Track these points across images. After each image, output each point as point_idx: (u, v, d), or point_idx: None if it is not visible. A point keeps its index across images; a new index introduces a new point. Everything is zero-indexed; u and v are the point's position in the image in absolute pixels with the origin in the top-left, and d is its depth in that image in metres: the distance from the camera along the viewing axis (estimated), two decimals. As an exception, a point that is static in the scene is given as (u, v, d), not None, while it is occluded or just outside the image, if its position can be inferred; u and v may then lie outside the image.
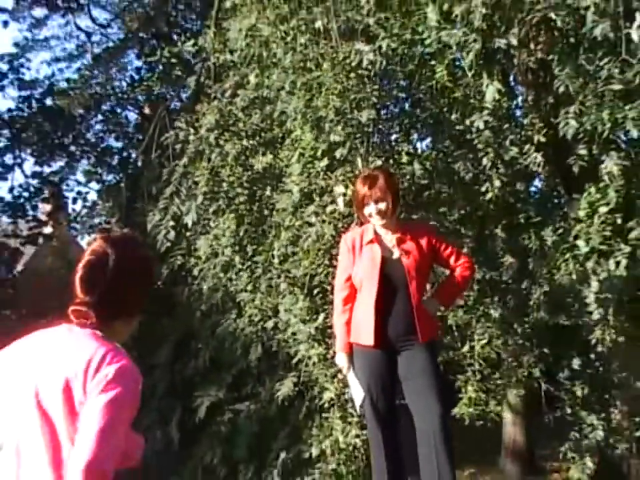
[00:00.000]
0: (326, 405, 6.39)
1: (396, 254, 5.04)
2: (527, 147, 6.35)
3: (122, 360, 2.56)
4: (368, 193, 5.05)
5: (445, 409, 5.05)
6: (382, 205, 5.03)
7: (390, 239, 5.08)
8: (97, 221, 14.18)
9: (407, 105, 7.38)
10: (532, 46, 6.80)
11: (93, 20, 16.37)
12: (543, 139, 6.37)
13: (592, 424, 6.38)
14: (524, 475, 10.83)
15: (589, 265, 6.02)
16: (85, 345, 2.57)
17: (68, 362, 2.53)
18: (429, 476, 4.90)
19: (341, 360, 5.18)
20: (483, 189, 6.32)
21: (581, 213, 6.10)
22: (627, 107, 5.75)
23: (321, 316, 6.23)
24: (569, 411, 6.55)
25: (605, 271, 5.94)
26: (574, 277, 6.08)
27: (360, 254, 5.08)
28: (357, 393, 5.09)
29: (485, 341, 6.55)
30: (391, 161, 6.60)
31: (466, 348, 6.57)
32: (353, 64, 6.40)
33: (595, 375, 6.45)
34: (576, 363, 6.49)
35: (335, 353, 5.48)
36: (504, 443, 11.01)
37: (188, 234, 7.75)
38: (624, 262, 5.86)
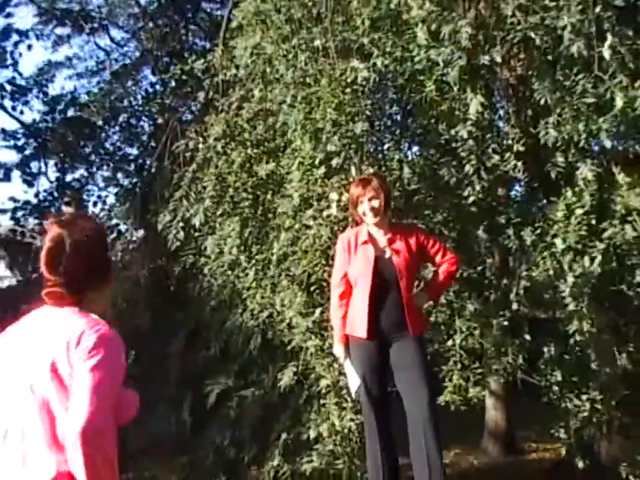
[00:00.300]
0: (323, 392, 6.38)
1: (388, 254, 5.04)
2: (507, 154, 6.37)
3: (101, 329, 2.56)
4: (362, 192, 5.08)
5: (432, 397, 5.05)
6: (375, 203, 5.04)
7: (382, 239, 5.08)
8: (114, 222, 14.16)
9: (398, 117, 7.37)
10: (513, 63, 6.81)
11: (112, 39, 16.42)
12: (522, 148, 6.38)
13: (570, 408, 6.38)
14: (505, 454, 10.88)
15: (566, 261, 6.04)
16: (65, 322, 2.58)
17: (51, 342, 2.53)
18: (418, 456, 4.91)
19: (339, 351, 5.18)
20: (465, 193, 6.32)
21: (559, 215, 6.12)
22: (600, 119, 5.79)
23: (318, 310, 6.22)
24: (548, 396, 6.53)
25: (580, 267, 5.96)
26: (551, 272, 6.09)
27: (355, 253, 5.09)
28: (353, 380, 5.09)
29: (465, 334, 6.55)
30: (383, 168, 6.60)
31: (450, 342, 6.57)
32: (349, 80, 6.39)
33: (572, 363, 6.44)
34: (554, 351, 6.47)
35: (331, 344, 5.48)
36: (486, 426, 11.03)
37: (196, 234, 7.72)
38: (599, 258, 5.90)
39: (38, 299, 2.70)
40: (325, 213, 6.23)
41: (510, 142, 6.44)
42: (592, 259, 5.92)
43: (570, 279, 5.95)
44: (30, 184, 15.04)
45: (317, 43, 6.75)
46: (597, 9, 5.84)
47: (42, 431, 2.50)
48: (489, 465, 10.73)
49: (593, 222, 6.04)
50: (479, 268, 6.83)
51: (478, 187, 6.25)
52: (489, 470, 10.32)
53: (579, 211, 6.04)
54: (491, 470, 10.29)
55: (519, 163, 6.34)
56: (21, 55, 14.87)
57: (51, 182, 15.40)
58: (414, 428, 4.93)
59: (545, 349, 6.52)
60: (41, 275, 2.67)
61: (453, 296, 6.60)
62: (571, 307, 6.01)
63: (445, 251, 5.27)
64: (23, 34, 14.87)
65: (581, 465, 6.45)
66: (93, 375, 2.45)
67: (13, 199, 15.22)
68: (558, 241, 6.06)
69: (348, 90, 6.39)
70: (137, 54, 15.61)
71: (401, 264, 5.01)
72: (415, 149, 7.34)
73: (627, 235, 5.92)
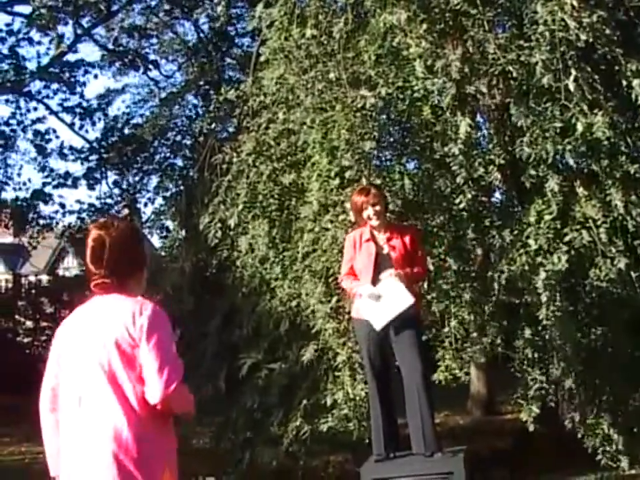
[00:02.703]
0: (339, 366, 6.42)
1: (386, 249, 5.05)
2: (490, 168, 6.37)
3: (149, 307, 2.64)
4: (365, 199, 5.05)
5: (425, 368, 5.08)
6: (378, 207, 5.04)
7: (381, 238, 5.09)
8: (163, 222, 14.24)
9: (400, 136, 7.38)
10: (494, 92, 6.83)
11: (161, 72, 16.52)
12: (502, 162, 6.40)
13: (536, 378, 6.39)
14: (485, 415, 10.95)
15: (538, 259, 6.07)
16: (118, 305, 2.65)
17: (111, 323, 2.62)
18: (414, 417, 4.94)
19: (364, 287, 5.00)
20: (457, 200, 6.33)
21: (531, 219, 6.17)
22: (565, 141, 5.82)
23: (334, 299, 6.25)
24: (520, 368, 6.55)
25: (550, 264, 5.98)
26: (526, 267, 6.11)
27: (360, 249, 5.09)
28: (370, 315, 4.95)
29: (459, 319, 6.56)
30: (387, 179, 6.61)
31: (446, 329, 6.58)
32: (359, 105, 6.42)
33: (541, 342, 6.45)
34: (527, 332, 6.48)
35: (345, 327, 5.48)
36: (471, 393, 11.08)
37: (231, 233, 7.73)
38: (564, 257, 5.92)
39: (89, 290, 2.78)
40: (340, 218, 6.26)
41: (492, 157, 6.44)
42: (559, 258, 5.96)
43: (542, 274, 5.97)
44: (92, 188, 15.33)
45: (332, 74, 6.76)
46: (562, 48, 5.88)
47: (110, 396, 2.57)
48: (472, 423, 10.82)
49: (558, 226, 6.09)
50: (469, 262, 6.84)
51: (467, 195, 6.27)
52: (471, 427, 10.39)
53: (547, 217, 6.09)
54: (473, 427, 10.37)
55: (500, 175, 6.36)
56: (84, 83, 15.06)
57: (110, 188, 15.70)
58: (410, 394, 4.95)
59: (519, 331, 6.54)
60: (87, 270, 2.73)
61: (449, 286, 6.59)
62: (543, 296, 6.02)
63: (421, 263, 5.24)
64: (90, 66, 15.02)
65: (531, 428, 6.42)
66: (157, 350, 2.56)
67: (79, 202, 15.48)
68: (531, 242, 6.10)
69: (358, 114, 6.41)
70: (182, 83, 15.66)
71: (397, 258, 5.03)
72: (414, 163, 7.34)
73: (584, 239, 6.00)
